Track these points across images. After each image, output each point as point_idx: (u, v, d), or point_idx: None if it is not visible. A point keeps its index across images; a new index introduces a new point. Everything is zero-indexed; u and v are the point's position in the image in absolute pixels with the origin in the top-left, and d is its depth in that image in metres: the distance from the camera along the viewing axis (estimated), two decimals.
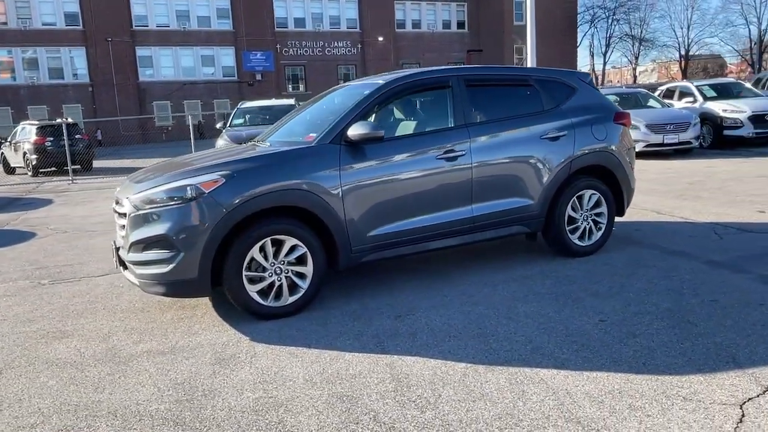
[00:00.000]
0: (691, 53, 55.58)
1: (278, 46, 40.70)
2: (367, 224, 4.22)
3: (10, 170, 19.71)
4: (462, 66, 4.94)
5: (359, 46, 42.80)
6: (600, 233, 5.17)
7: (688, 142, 12.38)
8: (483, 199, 4.62)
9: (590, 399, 2.75)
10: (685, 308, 3.82)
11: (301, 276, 4.06)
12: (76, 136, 18.09)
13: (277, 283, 3.99)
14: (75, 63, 37.16)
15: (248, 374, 3.21)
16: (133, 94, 37.77)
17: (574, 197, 5.00)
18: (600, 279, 4.50)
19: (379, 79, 4.75)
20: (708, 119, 13.39)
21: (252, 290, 3.91)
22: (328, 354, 3.43)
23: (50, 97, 36.21)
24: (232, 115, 12.97)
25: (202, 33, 39.33)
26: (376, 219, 4.24)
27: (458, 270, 4.96)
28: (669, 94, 15.28)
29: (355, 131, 4.10)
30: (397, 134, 4.56)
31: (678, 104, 14.36)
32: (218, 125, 12.70)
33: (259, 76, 40.04)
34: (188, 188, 3.79)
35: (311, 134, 4.33)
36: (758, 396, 2.70)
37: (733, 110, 13.12)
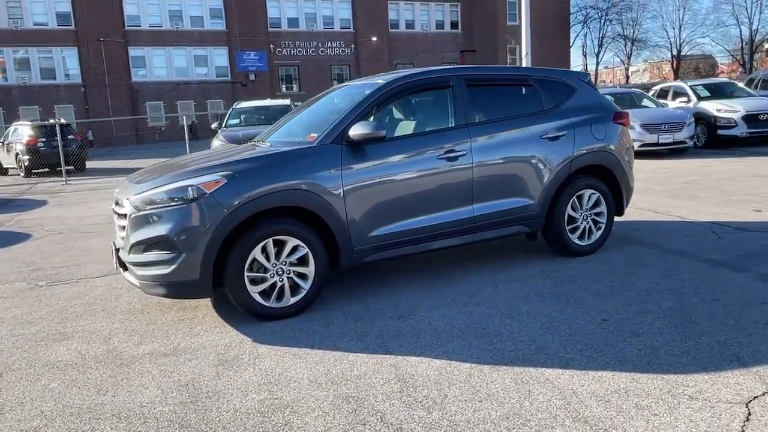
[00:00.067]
0: (682, 53, 55.91)
1: (272, 46, 40.60)
2: (368, 224, 4.21)
3: (2, 171, 19.56)
4: (462, 66, 4.93)
5: (353, 46, 42.76)
6: (599, 233, 5.19)
7: (683, 142, 12.44)
8: (484, 199, 4.62)
9: (597, 398, 2.75)
10: (686, 307, 3.83)
11: (303, 277, 4.05)
12: (69, 137, 17.99)
13: (279, 284, 3.97)
14: (67, 63, 36.91)
15: (252, 375, 3.20)
16: (126, 95, 37.57)
17: (574, 197, 5.01)
18: (600, 278, 4.51)
19: (379, 79, 4.74)
20: (702, 119, 13.46)
21: (254, 291, 3.89)
22: (332, 355, 3.41)
23: (42, 97, 35.97)
24: (227, 116, 12.93)
25: (195, 33, 39.18)
26: (377, 219, 4.23)
27: (459, 270, 4.95)
28: (663, 94, 15.35)
29: (356, 131, 4.09)
30: (398, 134, 4.56)
31: (672, 104, 14.43)
32: (213, 125, 12.68)
33: (252, 77, 39.92)
34: (189, 189, 3.77)
35: (312, 134, 4.31)
36: (764, 394, 2.71)
37: (727, 110, 13.19)
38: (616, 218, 5.44)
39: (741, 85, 15.54)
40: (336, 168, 4.08)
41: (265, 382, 3.11)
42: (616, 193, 5.27)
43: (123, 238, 4.04)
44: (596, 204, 5.14)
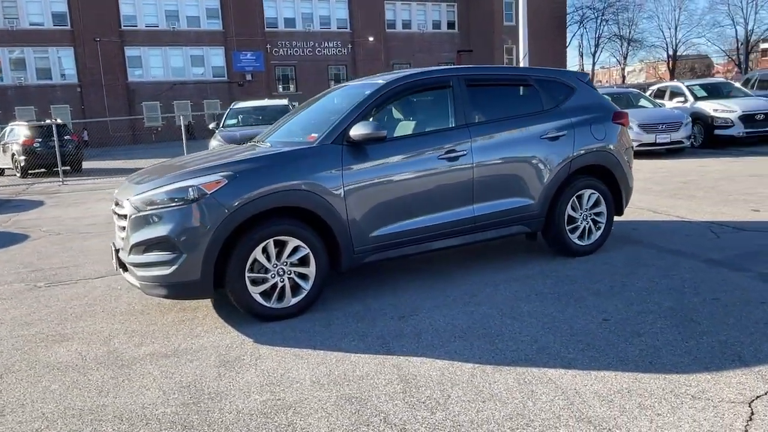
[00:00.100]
0: (678, 53, 56.04)
1: (268, 46, 40.57)
2: (369, 225, 4.20)
3: None
4: (463, 66, 4.93)
5: (350, 46, 42.76)
6: (599, 233, 5.19)
7: (680, 142, 12.48)
8: (484, 199, 4.62)
9: (600, 398, 2.76)
10: (687, 307, 3.84)
11: (304, 277, 4.04)
12: (65, 137, 17.93)
13: (280, 285, 3.96)
14: (63, 63, 36.81)
15: (254, 376, 3.19)
16: (122, 95, 37.50)
17: (574, 197, 5.02)
18: (601, 278, 4.52)
19: (379, 79, 4.74)
20: (699, 119, 13.50)
21: (255, 292, 3.89)
22: (334, 355, 3.41)
23: (38, 97, 35.86)
24: (225, 116, 12.90)
25: (192, 33, 39.12)
26: (378, 219, 4.23)
27: (460, 270, 4.95)
28: (660, 94, 15.39)
29: (357, 131, 4.09)
30: (398, 134, 4.55)
31: (669, 104, 14.46)
32: (211, 126, 12.64)
33: (249, 77, 39.89)
34: (190, 189, 3.76)
35: (313, 134, 4.30)
36: (766, 394, 2.72)
37: (724, 110, 13.23)
38: (616, 218, 5.45)
39: (737, 85, 15.59)
40: (337, 168, 4.07)
41: (267, 383, 3.11)
42: (616, 193, 5.28)
43: (123, 238, 4.02)
44: (596, 204, 5.15)
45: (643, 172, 10.17)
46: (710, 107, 13.48)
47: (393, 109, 4.77)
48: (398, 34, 44.21)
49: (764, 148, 12.84)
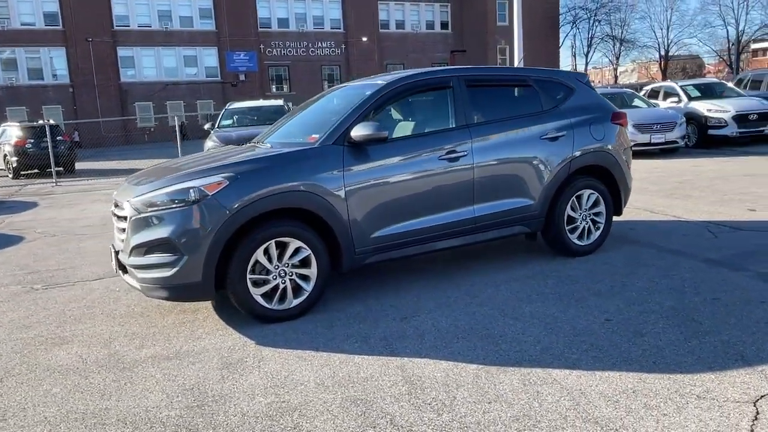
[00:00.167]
0: (670, 54, 56.31)
1: (262, 46, 40.45)
2: (370, 226, 4.19)
3: None
4: (463, 66, 4.93)
5: (343, 46, 42.70)
6: (598, 233, 5.21)
7: (675, 142, 12.54)
8: (485, 200, 4.62)
9: (605, 399, 2.76)
10: (688, 306, 3.85)
11: (305, 278, 4.03)
12: (58, 138, 17.81)
13: (282, 286, 3.95)
14: (55, 63, 36.55)
15: (258, 379, 3.17)
16: (115, 95, 37.28)
17: (573, 197, 5.03)
18: (601, 278, 4.53)
19: (379, 80, 4.73)
20: (693, 119, 13.57)
21: (256, 293, 3.87)
22: (337, 357, 3.40)
23: (29, 98, 35.58)
24: (220, 116, 12.84)
25: (185, 33, 38.95)
26: (379, 220, 4.22)
27: (460, 270, 4.95)
28: (654, 94, 15.46)
29: (358, 132, 4.08)
30: (399, 135, 4.54)
31: (663, 104, 14.53)
32: (206, 126, 12.57)
33: (242, 77, 39.75)
34: (191, 190, 3.73)
35: (313, 135, 4.29)
36: None
37: (718, 110, 13.30)
38: (614, 218, 5.46)
39: (730, 85, 15.69)
40: (338, 169, 4.06)
41: (271, 385, 3.09)
42: (615, 193, 5.30)
43: (123, 240, 4.00)
44: (595, 204, 5.17)
45: (638, 172, 10.18)
46: (704, 107, 13.55)
47: (394, 109, 4.76)
48: (392, 35, 44.20)
49: (757, 148, 12.93)
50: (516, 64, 15.03)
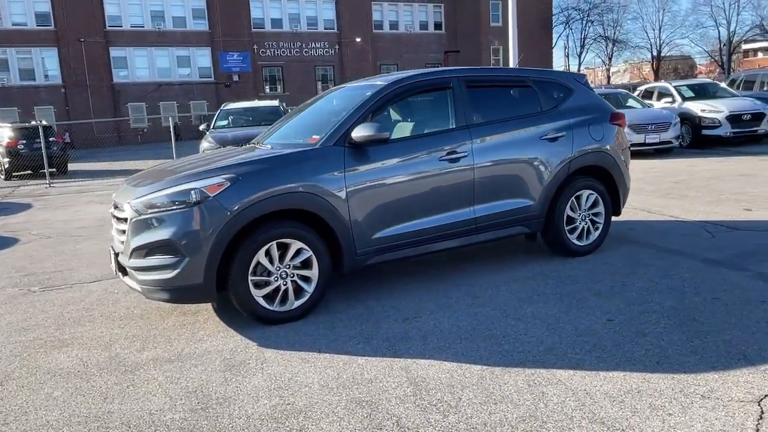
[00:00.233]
0: (662, 54, 56.59)
1: (255, 46, 40.37)
2: (371, 227, 4.19)
3: None
4: (463, 67, 4.93)
5: (337, 46, 42.67)
6: (597, 233, 5.22)
7: (669, 142, 12.60)
8: (485, 200, 4.63)
9: (610, 399, 2.76)
10: (689, 306, 3.87)
11: (307, 280, 4.02)
12: (50, 139, 17.70)
13: (283, 288, 3.93)
14: (46, 64, 36.33)
15: (261, 381, 3.16)
16: (107, 96, 37.09)
17: (573, 197, 5.04)
18: (601, 278, 4.54)
19: (379, 81, 4.72)
20: (687, 119, 13.64)
21: (258, 295, 3.85)
22: (341, 359, 3.39)
23: (21, 98, 35.35)
24: (215, 117, 12.80)
25: (178, 33, 38.81)
26: (380, 221, 4.22)
27: (460, 271, 4.95)
28: (648, 94, 15.53)
29: (359, 133, 4.07)
30: (399, 136, 4.53)
31: (657, 104, 14.60)
32: (201, 127, 12.53)
33: (236, 77, 39.65)
34: (192, 192, 3.72)
35: (314, 136, 4.28)
36: None
37: (711, 110, 13.38)
38: (612, 218, 5.48)
39: (724, 85, 15.78)
40: (339, 170, 4.05)
41: (275, 387, 3.08)
42: (614, 194, 5.31)
43: (123, 242, 3.97)
44: (594, 204, 5.18)
45: (634, 172, 10.18)
46: (698, 108, 13.63)
47: (394, 110, 4.76)
48: (385, 35, 44.21)
49: (751, 148, 13.02)
50: (512, 64, 15.05)
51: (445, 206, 4.47)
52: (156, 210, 3.76)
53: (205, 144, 10.87)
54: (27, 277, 5.71)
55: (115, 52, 37.50)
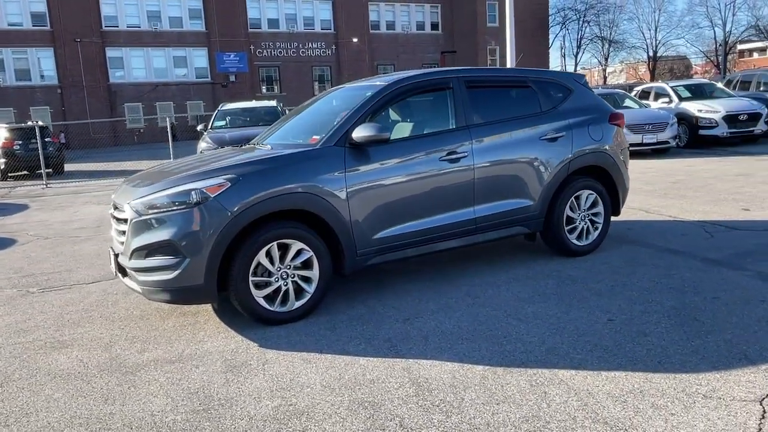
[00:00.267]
0: (658, 54, 56.74)
1: (252, 47, 40.29)
2: (372, 227, 4.18)
3: None
4: (462, 67, 4.94)
5: (334, 47, 42.63)
6: (597, 233, 5.23)
7: (666, 142, 12.63)
8: (485, 201, 4.63)
9: (613, 399, 2.77)
10: (689, 306, 3.87)
11: (307, 280, 4.02)
12: (46, 140, 17.65)
13: (284, 288, 3.93)
14: (42, 64, 36.18)
15: (263, 382, 3.15)
16: (104, 96, 36.97)
17: (572, 197, 5.05)
18: (601, 278, 4.54)
19: (378, 81, 4.72)
20: (684, 119, 13.68)
21: (258, 296, 3.85)
22: (342, 359, 3.38)
23: (17, 99, 35.21)
24: (213, 117, 12.78)
25: (174, 34, 38.72)
26: (380, 222, 4.21)
27: (460, 271, 4.95)
28: (644, 94, 15.57)
29: (360, 133, 4.07)
30: (399, 136, 4.53)
31: (654, 105, 14.64)
32: (199, 127, 12.49)
33: (232, 78, 39.56)
34: (193, 192, 3.71)
35: (314, 137, 4.28)
36: None
37: (708, 110, 13.42)
38: (612, 218, 5.49)
39: (720, 85, 15.83)
40: (340, 170, 4.05)
41: (277, 388, 3.07)
42: (613, 194, 5.32)
43: (123, 243, 3.96)
44: (593, 204, 5.19)
45: (632, 173, 10.21)
46: (695, 108, 13.67)
47: (394, 110, 4.76)
48: (382, 35, 44.20)
49: (748, 148, 13.06)
50: (509, 65, 15.06)
51: (446, 206, 4.47)
52: (156, 211, 3.75)
53: (202, 144, 10.84)
54: (25, 278, 5.69)
55: (111, 53, 37.38)
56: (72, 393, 3.16)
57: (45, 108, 35.48)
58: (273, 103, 13.64)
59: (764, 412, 2.60)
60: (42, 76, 36.23)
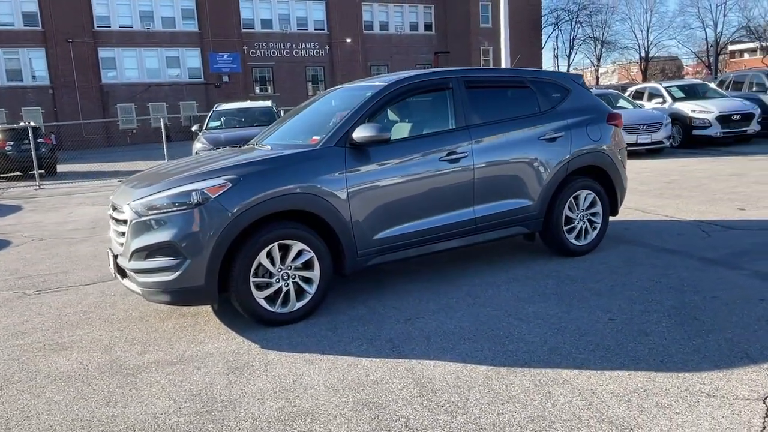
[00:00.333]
0: (650, 55, 57.01)
1: (245, 47, 40.18)
2: (372, 227, 4.18)
3: None
4: (462, 68, 4.94)
5: (327, 47, 42.58)
6: (595, 233, 5.25)
7: (661, 142, 12.69)
8: (484, 201, 4.63)
9: (617, 398, 2.77)
10: (689, 305, 3.89)
11: (308, 281, 4.01)
12: (38, 140, 17.52)
13: (285, 289, 3.92)
14: (34, 64, 35.91)
15: (266, 383, 3.14)
16: (96, 97, 36.76)
17: (571, 197, 5.06)
18: (600, 278, 4.56)
19: (377, 81, 4.72)
20: (677, 119, 13.75)
21: (259, 296, 3.83)
22: (345, 360, 3.37)
23: (8, 99, 34.95)
24: (208, 118, 12.73)
25: (167, 34, 38.55)
26: (381, 222, 4.21)
27: (460, 271, 4.95)
28: (638, 95, 15.64)
29: (360, 133, 4.06)
30: (399, 136, 4.52)
31: (648, 105, 14.70)
32: (194, 128, 12.45)
33: (226, 78, 39.44)
34: (193, 193, 3.69)
35: (315, 137, 4.27)
36: None
37: (702, 111, 13.50)
38: (609, 218, 5.50)
39: (713, 86, 15.92)
40: (340, 171, 4.04)
41: (280, 389, 3.06)
42: (611, 194, 5.34)
43: (122, 244, 3.93)
44: (592, 204, 5.21)
45: (628, 173, 10.26)
46: (688, 108, 13.74)
47: (395, 110, 4.76)
48: (376, 36, 44.19)
49: (741, 148, 13.14)
50: (503, 65, 15.08)
51: (446, 206, 4.47)
52: (156, 211, 3.73)
53: (198, 145, 10.81)
54: (21, 279, 5.65)
55: (103, 53, 37.17)
56: (73, 395, 3.14)
57: (37, 109, 35.23)
58: (268, 103, 13.61)
59: None
60: (33, 77, 35.98)
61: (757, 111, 13.52)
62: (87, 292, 5.06)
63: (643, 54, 56.53)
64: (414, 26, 45.65)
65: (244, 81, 40.01)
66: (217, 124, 12.36)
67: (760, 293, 4.03)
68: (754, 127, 13.43)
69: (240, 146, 5.28)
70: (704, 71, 53.35)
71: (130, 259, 3.83)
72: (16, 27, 35.03)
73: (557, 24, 56.08)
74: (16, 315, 4.56)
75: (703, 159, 11.83)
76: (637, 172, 10.41)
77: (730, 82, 16.34)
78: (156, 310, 4.42)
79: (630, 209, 7.13)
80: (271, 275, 3.86)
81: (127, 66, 38.04)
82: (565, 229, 5.07)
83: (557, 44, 75.98)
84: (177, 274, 3.66)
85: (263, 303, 3.85)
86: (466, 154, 4.51)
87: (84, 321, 4.32)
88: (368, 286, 4.69)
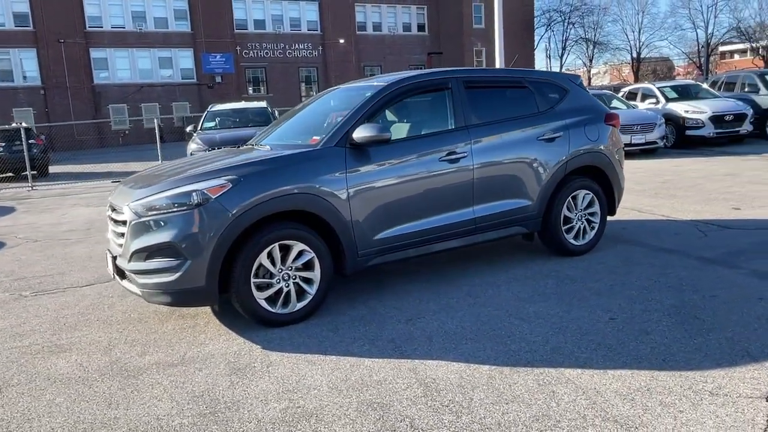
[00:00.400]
0: (642, 56, 57.29)
1: (238, 48, 40.07)
2: (372, 228, 4.17)
3: None
4: (461, 68, 4.95)
5: (320, 48, 42.54)
6: (593, 232, 5.27)
7: (654, 143, 12.76)
8: (484, 201, 4.64)
9: (621, 397, 2.78)
10: (688, 304, 3.91)
11: (309, 282, 4.00)
12: (30, 141, 17.40)
13: (285, 290, 3.91)
14: (25, 65, 35.65)
15: (269, 384, 3.13)
16: (88, 97, 36.54)
17: (569, 197, 5.07)
18: (599, 278, 4.57)
19: (376, 81, 4.72)
20: (671, 120, 13.82)
21: (260, 297, 3.82)
22: (347, 360, 3.37)
23: None
24: (202, 118, 12.69)
25: (159, 34, 38.38)
26: (381, 222, 4.21)
27: (460, 271, 4.96)
28: (632, 95, 15.71)
29: (360, 134, 4.05)
30: (399, 136, 4.52)
31: (641, 105, 14.77)
32: (188, 129, 12.39)
33: (218, 79, 39.31)
34: (194, 194, 3.67)
35: (315, 137, 4.26)
36: None
37: (695, 111, 13.58)
38: (607, 217, 5.52)
39: (706, 86, 16.02)
40: (341, 171, 4.03)
41: (283, 390, 3.05)
42: (609, 193, 5.36)
43: (121, 245, 3.91)
44: (590, 204, 5.22)
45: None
46: (681, 108, 13.82)
47: (394, 110, 4.75)
48: (369, 37, 44.18)
49: (734, 148, 13.22)
50: (498, 65, 15.12)
51: (446, 206, 4.47)
52: (156, 212, 3.71)
53: (192, 146, 10.76)
54: (17, 281, 5.60)
55: (95, 53, 36.95)
56: (74, 397, 3.11)
57: (28, 109, 34.97)
58: (263, 104, 13.57)
59: None
60: (25, 77, 35.73)
61: (750, 111, 13.63)
62: (84, 294, 5.02)
63: (634, 55, 56.79)
64: (407, 27, 45.69)
65: (237, 82, 39.89)
66: (212, 124, 12.32)
67: (759, 292, 4.05)
68: (746, 127, 13.52)
69: (239, 146, 5.27)
70: (695, 72, 53.66)
71: (129, 260, 3.81)
72: (7, 27, 34.77)
73: (549, 25, 56.25)
74: (14, 317, 4.53)
75: (697, 159, 11.90)
76: (631, 172, 10.45)
77: (722, 82, 16.45)
78: (155, 311, 4.39)
79: (626, 209, 7.16)
80: (271, 276, 3.85)
81: (119, 66, 37.85)
82: (563, 228, 5.08)
83: (549, 45, 76.46)
84: (177, 275, 3.64)
85: (264, 304, 3.84)
86: (465, 154, 4.51)
87: (82, 322, 4.29)
88: (369, 287, 4.68)
